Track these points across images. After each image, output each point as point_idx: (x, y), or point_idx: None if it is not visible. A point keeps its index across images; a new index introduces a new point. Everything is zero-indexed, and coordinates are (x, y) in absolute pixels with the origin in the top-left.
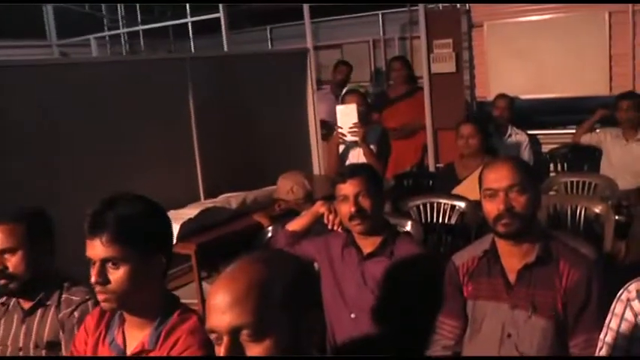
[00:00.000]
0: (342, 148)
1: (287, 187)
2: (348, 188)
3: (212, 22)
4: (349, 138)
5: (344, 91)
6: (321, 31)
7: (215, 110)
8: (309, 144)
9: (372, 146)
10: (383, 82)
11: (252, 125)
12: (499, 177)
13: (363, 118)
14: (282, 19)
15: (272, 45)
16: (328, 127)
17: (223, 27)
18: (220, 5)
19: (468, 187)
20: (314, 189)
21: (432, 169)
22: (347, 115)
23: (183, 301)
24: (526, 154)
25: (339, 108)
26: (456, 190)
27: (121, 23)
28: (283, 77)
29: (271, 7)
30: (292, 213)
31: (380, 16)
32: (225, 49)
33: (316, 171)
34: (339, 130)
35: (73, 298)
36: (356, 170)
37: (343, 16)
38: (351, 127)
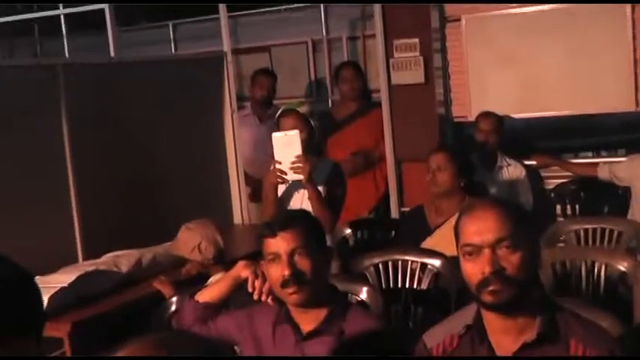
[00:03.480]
0: (282, 188)
1: (192, 242)
2: (279, 244)
3: (94, 15)
4: (291, 176)
5: (279, 111)
6: (243, 29)
7: (98, 137)
8: (228, 182)
9: (320, 187)
10: (327, 97)
11: (150, 157)
12: (482, 228)
13: (308, 149)
14: (190, 12)
15: (176, 47)
16: (255, 182)
17: (109, 22)
18: None
19: (444, 239)
20: (230, 245)
21: (394, 214)
22: (287, 146)
23: None
24: (523, 193)
25: (277, 136)
26: (428, 244)
27: None
28: (191, 92)
29: None
30: (204, 278)
31: (322, 8)
32: (112, 52)
33: (237, 219)
34: (277, 167)
35: None
36: (290, 219)
37: (272, 9)
38: (293, 162)
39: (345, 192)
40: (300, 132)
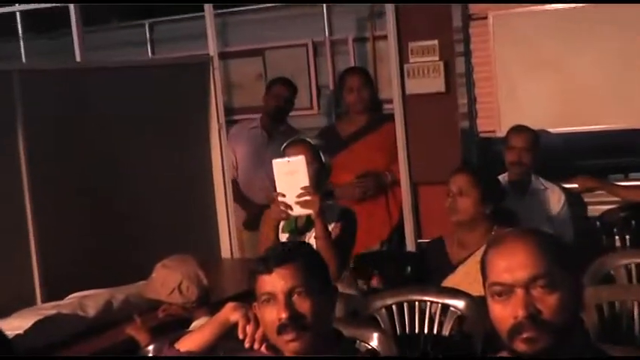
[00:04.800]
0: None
1: (171, 282)
2: (275, 282)
3: (56, 13)
4: (297, 211)
5: (286, 143)
6: (232, 28)
7: (60, 156)
8: (215, 210)
9: (332, 225)
10: (330, 109)
11: (122, 180)
12: (514, 264)
13: (316, 187)
14: (170, 10)
15: (153, 50)
16: (252, 207)
17: (74, 21)
18: None
19: (468, 276)
20: (217, 284)
21: (410, 247)
22: (291, 175)
23: None
24: (562, 222)
25: (278, 163)
26: (450, 282)
27: None
28: (172, 103)
29: None
30: (186, 322)
31: (324, 6)
32: (78, 57)
33: (226, 252)
34: (280, 200)
35: None
36: (288, 253)
37: (266, 5)
38: (299, 195)
39: (354, 239)
40: (309, 164)
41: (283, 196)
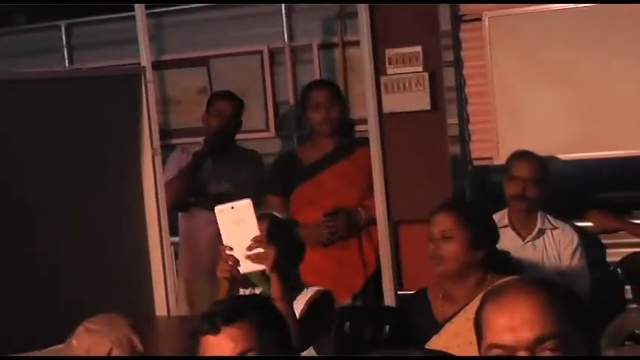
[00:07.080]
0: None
1: (97, 350)
2: (223, 345)
3: None
4: (247, 267)
5: None
6: (170, 32)
7: None
8: (147, 255)
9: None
10: (291, 131)
11: (31, 219)
12: (516, 322)
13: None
14: (91, 8)
15: (71, 59)
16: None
17: None
18: None
19: (458, 337)
20: (151, 348)
21: (389, 301)
22: (237, 224)
23: None
24: (575, 269)
25: (221, 210)
26: (436, 344)
27: None
28: (94, 124)
29: None
30: None
31: (283, 5)
32: None
33: (161, 309)
34: (227, 253)
35: None
36: (239, 309)
37: (211, 4)
38: (250, 247)
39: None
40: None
41: (230, 249)
